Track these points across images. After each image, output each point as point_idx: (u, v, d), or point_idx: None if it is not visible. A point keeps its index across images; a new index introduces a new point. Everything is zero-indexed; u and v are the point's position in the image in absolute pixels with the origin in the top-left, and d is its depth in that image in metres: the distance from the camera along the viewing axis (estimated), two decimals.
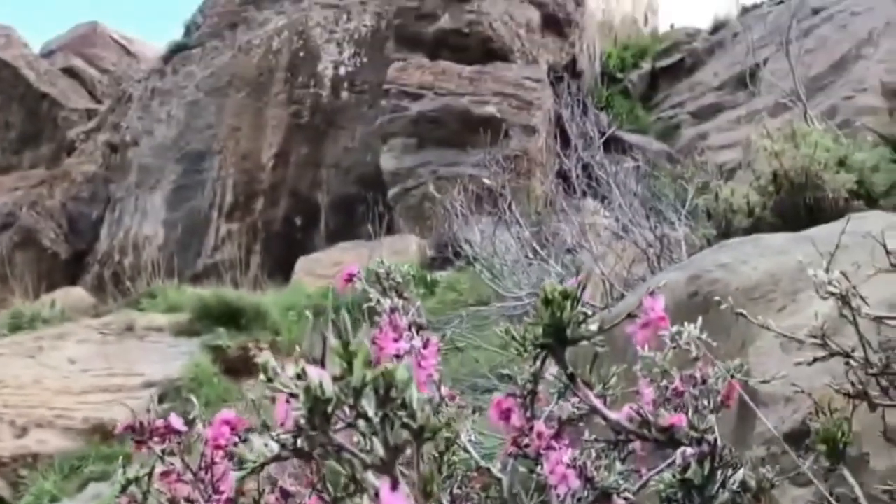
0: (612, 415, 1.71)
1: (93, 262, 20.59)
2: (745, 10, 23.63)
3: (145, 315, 12.96)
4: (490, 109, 17.04)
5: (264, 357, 1.09)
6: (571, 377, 1.70)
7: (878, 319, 2.27)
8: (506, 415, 1.84)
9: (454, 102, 17.34)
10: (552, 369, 1.81)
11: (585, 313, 1.63)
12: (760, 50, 20.94)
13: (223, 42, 21.31)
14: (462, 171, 14.67)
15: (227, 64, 20.75)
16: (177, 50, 22.50)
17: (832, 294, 2.19)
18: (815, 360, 2.27)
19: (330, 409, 1.06)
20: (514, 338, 1.76)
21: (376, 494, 1.02)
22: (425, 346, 1.83)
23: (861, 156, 5.48)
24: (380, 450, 1.07)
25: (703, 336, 1.96)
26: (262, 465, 1.15)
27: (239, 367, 10.61)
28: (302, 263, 15.74)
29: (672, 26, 27.98)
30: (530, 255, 6.38)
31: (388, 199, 16.58)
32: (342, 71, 19.46)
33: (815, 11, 21.58)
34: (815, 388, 2.38)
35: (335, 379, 1.07)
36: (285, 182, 18.88)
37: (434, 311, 8.54)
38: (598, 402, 1.70)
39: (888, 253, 2.37)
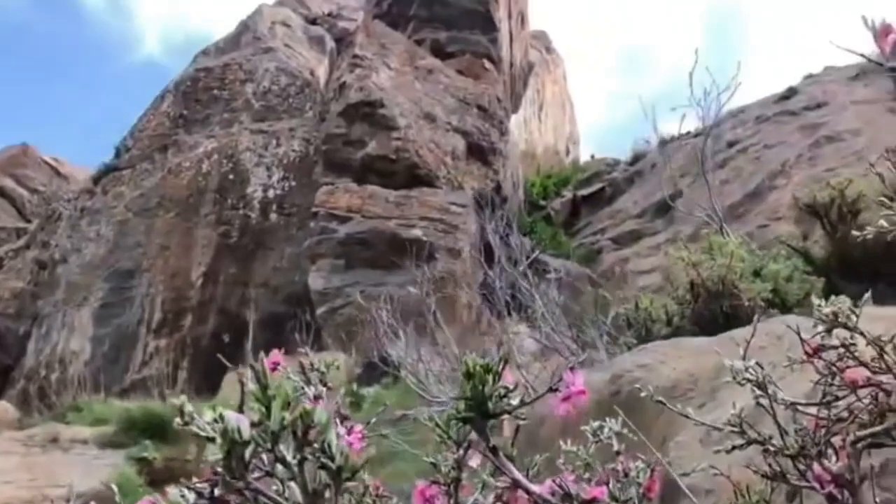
0: (535, 488, 1.70)
1: (19, 377, 20.32)
2: (663, 143, 24.34)
3: (70, 427, 12.81)
4: (416, 233, 17.21)
5: (180, 399, 1.08)
6: (493, 450, 1.69)
7: (794, 406, 2.31)
8: (429, 503, 1.81)
9: (381, 225, 17.51)
10: (476, 459, 1.79)
11: (507, 387, 1.63)
12: (678, 179, 21.62)
13: (153, 164, 21.45)
14: (389, 291, 14.75)
15: (156, 185, 20.87)
16: (107, 171, 22.62)
17: (749, 381, 2.22)
18: (734, 447, 2.29)
19: (248, 452, 1.05)
20: (437, 425, 1.75)
21: None
22: (349, 432, 1.82)
23: (776, 266, 5.63)
24: (298, 495, 1.05)
25: (625, 431, 1.97)
26: None
27: (164, 479, 10.43)
28: (231, 376, 15.58)
29: (592, 156, 28.76)
30: (455, 364, 6.40)
31: (316, 318, 16.54)
32: (271, 194, 19.66)
33: (730, 144, 22.39)
34: (734, 475, 2.40)
35: (254, 425, 1.06)
36: (214, 300, 18.89)
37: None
38: (520, 476, 1.69)
39: (802, 341, 2.41)
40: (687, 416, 2.37)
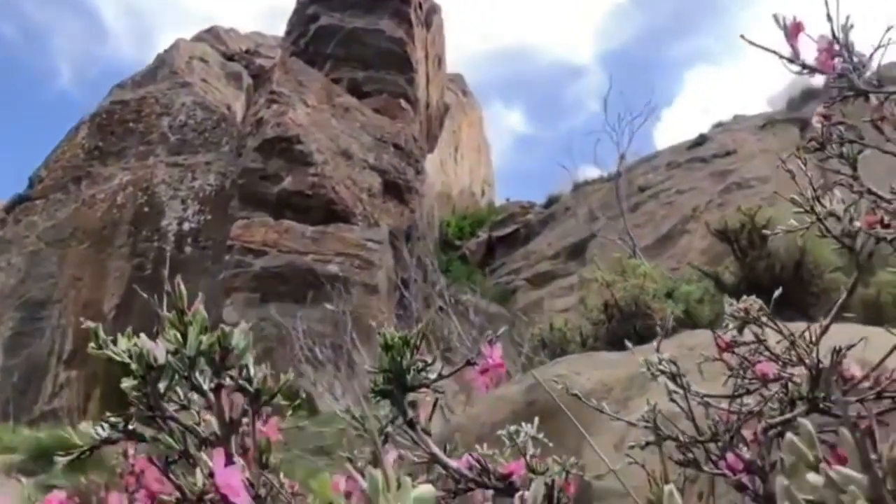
0: (452, 462, 1.68)
1: None
2: (576, 187, 24.71)
3: None
4: (333, 268, 17.14)
5: (94, 325, 1.05)
6: (411, 424, 1.67)
7: (706, 400, 2.33)
8: (347, 496, 1.78)
9: (297, 260, 17.41)
10: (393, 454, 1.77)
11: (425, 361, 1.62)
12: (592, 223, 21.92)
13: (67, 195, 21.06)
14: (305, 325, 14.62)
15: (70, 216, 20.49)
16: (19, 201, 22.12)
17: (662, 373, 2.24)
18: (648, 443, 2.30)
19: (164, 383, 1.02)
20: (354, 416, 1.73)
21: (210, 474, 0.98)
22: (264, 419, 1.78)
23: (688, 288, 5.73)
24: (215, 425, 1.03)
25: (540, 436, 1.97)
26: (91, 449, 1.09)
27: None
28: None
29: (508, 199, 29.06)
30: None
31: None
32: (186, 227, 19.42)
33: (642, 189, 22.81)
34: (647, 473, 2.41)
35: (170, 354, 1.04)
36: (127, 331, 18.56)
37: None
38: (437, 450, 1.68)
39: (716, 337, 2.44)
40: (601, 411, 2.38)
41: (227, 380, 1.03)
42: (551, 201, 25.80)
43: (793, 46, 2.00)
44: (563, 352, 5.21)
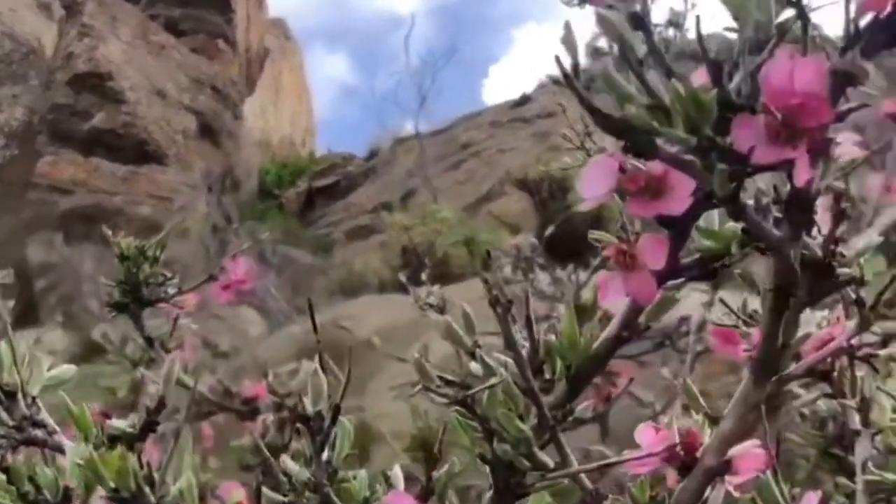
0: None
1: None
2: (398, 141, 24.75)
3: None
4: (144, 210, 16.68)
5: None
6: (149, 340, 1.59)
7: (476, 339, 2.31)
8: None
9: (106, 201, 16.86)
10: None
11: (165, 274, 1.54)
12: (411, 179, 22.01)
13: None
14: (112, 269, 14.14)
15: None
16: None
17: (430, 306, 2.22)
18: (415, 384, 2.27)
19: None
20: (110, 341, 1.66)
21: None
22: None
23: (486, 236, 5.78)
24: None
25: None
26: None
27: None
28: None
29: (329, 150, 28.89)
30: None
31: (35, 293, 15.63)
32: None
33: (465, 146, 22.98)
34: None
35: None
36: None
37: None
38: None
39: (487, 285, 2.41)
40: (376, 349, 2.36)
41: None
42: (372, 154, 25.75)
43: None
44: (358, 295, 5.18)
